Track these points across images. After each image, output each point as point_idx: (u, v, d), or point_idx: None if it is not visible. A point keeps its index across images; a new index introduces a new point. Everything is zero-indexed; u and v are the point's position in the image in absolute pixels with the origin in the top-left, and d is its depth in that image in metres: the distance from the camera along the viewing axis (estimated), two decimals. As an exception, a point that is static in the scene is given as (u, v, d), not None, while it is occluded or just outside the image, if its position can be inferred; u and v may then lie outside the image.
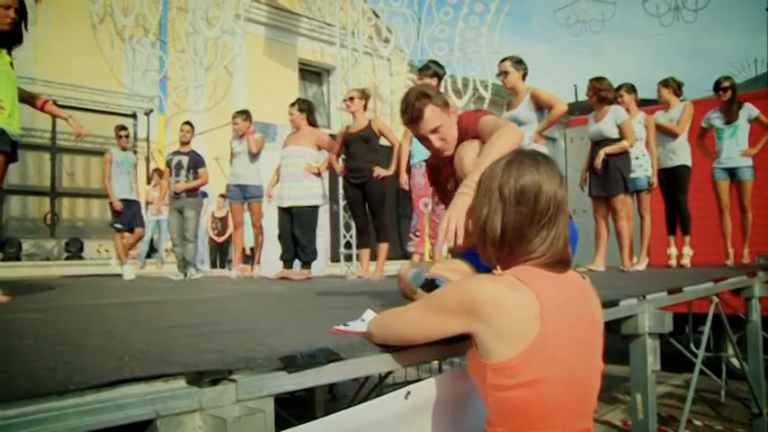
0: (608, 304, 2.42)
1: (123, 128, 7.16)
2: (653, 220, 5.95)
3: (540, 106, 5.03)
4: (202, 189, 6.94)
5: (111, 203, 6.85)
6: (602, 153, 5.42)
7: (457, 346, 1.56)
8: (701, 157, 6.33)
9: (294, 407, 4.80)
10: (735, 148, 6.11)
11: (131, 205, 6.90)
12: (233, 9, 11.61)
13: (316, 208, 5.77)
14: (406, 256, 6.30)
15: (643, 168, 5.82)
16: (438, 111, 2.37)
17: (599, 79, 5.58)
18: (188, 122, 6.88)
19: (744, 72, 18.07)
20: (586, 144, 5.84)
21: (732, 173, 6.14)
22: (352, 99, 5.58)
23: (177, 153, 6.71)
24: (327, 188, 6.19)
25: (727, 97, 6.11)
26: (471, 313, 1.33)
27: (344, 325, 1.73)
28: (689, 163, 6.06)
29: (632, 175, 5.68)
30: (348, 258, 10.48)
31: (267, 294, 3.92)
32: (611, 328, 2.61)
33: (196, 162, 6.61)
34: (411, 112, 2.37)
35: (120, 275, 6.64)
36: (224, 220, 10.55)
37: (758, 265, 5.65)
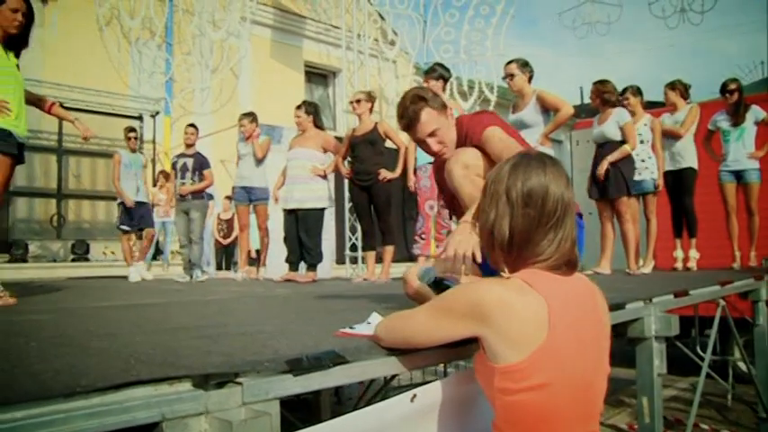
0: (614, 307, 2.41)
1: (132, 129, 7.16)
2: (659, 223, 5.94)
3: (546, 109, 5.04)
4: (208, 191, 6.95)
5: (119, 204, 6.85)
6: (605, 163, 5.41)
7: (463, 349, 1.56)
8: (708, 160, 6.31)
9: (300, 410, 4.78)
10: (741, 150, 6.08)
11: (140, 206, 6.91)
12: (239, 11, 11.62)
13: (321, 210, 5.77)
14: (412, 258, 6.30)
15: (649, 171, 5.81)
16: (435, 113, 2.30)
17: (602, 82, 5.58)
18: (192, 124, 6.89)
19: (750, 74, 17.95)
20: (592, 146, 5.83)
21: (739, 175, 6.12)
22: (358, 101, 5.58)
23: (182, 155, 6.73)
24: (333, 190, 6.19)
25: (734, 99, 6.09)
26: (479, 317, 1.33)
27: (350, 328, 1.72)
28: (695, 165, 6.05)
29: (638, 178, 5.67)
30: (354, 261, 10.49)
31: (272, 297, 3.93)
32: (618, 331, 2.60)
33: (201, 164, 6.63)
34: (407, 116, 2.30)
35: (129, 278, 6.65)
36: (230, 222, 10.56)
37: (765, 269, 5.61)
